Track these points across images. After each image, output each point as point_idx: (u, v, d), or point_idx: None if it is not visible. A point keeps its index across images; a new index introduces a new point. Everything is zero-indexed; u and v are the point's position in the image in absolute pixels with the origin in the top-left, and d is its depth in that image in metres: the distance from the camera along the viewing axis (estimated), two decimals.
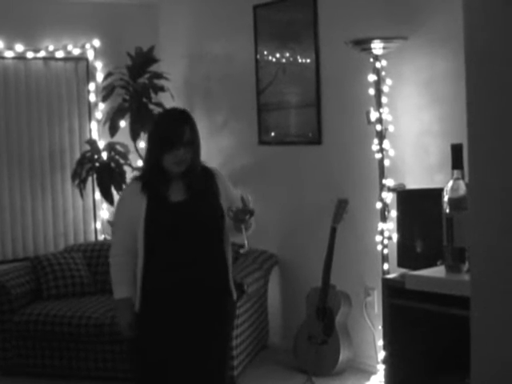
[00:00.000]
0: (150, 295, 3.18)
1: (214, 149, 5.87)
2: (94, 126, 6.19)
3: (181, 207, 3.19)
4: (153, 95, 5.84)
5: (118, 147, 5.89)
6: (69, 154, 6.09)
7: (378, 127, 4.48)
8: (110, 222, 6.15)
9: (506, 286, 1.61)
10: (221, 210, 3.21)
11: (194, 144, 3.19)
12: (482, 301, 1.67)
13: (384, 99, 4.49)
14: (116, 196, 5.79)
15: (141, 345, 3.22)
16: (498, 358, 1.65)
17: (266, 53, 5.53)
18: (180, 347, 3.15)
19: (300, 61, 5.25)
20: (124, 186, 3.52)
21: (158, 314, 3.18)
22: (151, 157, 3.23)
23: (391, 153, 4.53)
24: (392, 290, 3.21)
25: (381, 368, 4.46)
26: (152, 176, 3.21)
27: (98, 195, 6.05)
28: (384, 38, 4.29)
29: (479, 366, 1.71)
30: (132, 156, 5.90)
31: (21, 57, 5.86)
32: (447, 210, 2.46)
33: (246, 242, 3.15)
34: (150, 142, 3.26)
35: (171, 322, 3.15)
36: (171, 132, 3.16)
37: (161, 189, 3.19)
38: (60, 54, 6.02)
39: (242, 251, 4.16)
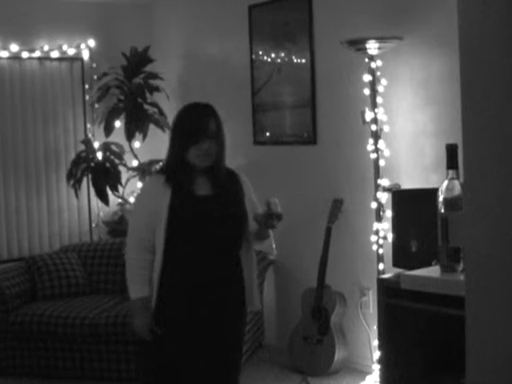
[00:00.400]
0: (168, 292, 3.10)
1: None
2: (89, 126, 6.19)
3: (207, 201, 3.13)
4: (148, 95, 5.84)
5: (113, 147, 5.88)
6: (64, 154, 6.08)
7: (373, 127, 4.48)
8: (104, 222, 6.14)
9: (501, 285, 1.62)
10: (244, 209, 3.18)
11: (219, 138, 3.14)
12: (477, 300, 1.68)
13: (379, 99, 4.50)
14: (111, 196, 5.79)
15: (156, 343, 3.13)
16: (493, 357, 1.66)
17: (261, 53, 5.53)
18: (195, 346, 3.08)
19: (295, 61, 5.25)
20: (146, 181, 3.42)
21: (174, 311, 3.11)
22: (175, 150, 3.15)
23: (386, 153, 4.53)
24: (387, 289, 3.20)
25: (376, 368, 4.46)
26: (176, 169, 3.14)
27: (93, 195, 6.04)
28: (379, 38, 4.30)
29: (474, 366, 1.71)
30: (127, 156, 5.90)
31: (16, 57, 5.85)
32: (442, 210, 2.47)
33: (273, 247, 3.12)
34: (174, 135, 3.18)
35: (187, 320, 3.09)
36: (197, 124, 3.10)
37: (186, 182, 3.13)
38: (55, 54, 6.01)
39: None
